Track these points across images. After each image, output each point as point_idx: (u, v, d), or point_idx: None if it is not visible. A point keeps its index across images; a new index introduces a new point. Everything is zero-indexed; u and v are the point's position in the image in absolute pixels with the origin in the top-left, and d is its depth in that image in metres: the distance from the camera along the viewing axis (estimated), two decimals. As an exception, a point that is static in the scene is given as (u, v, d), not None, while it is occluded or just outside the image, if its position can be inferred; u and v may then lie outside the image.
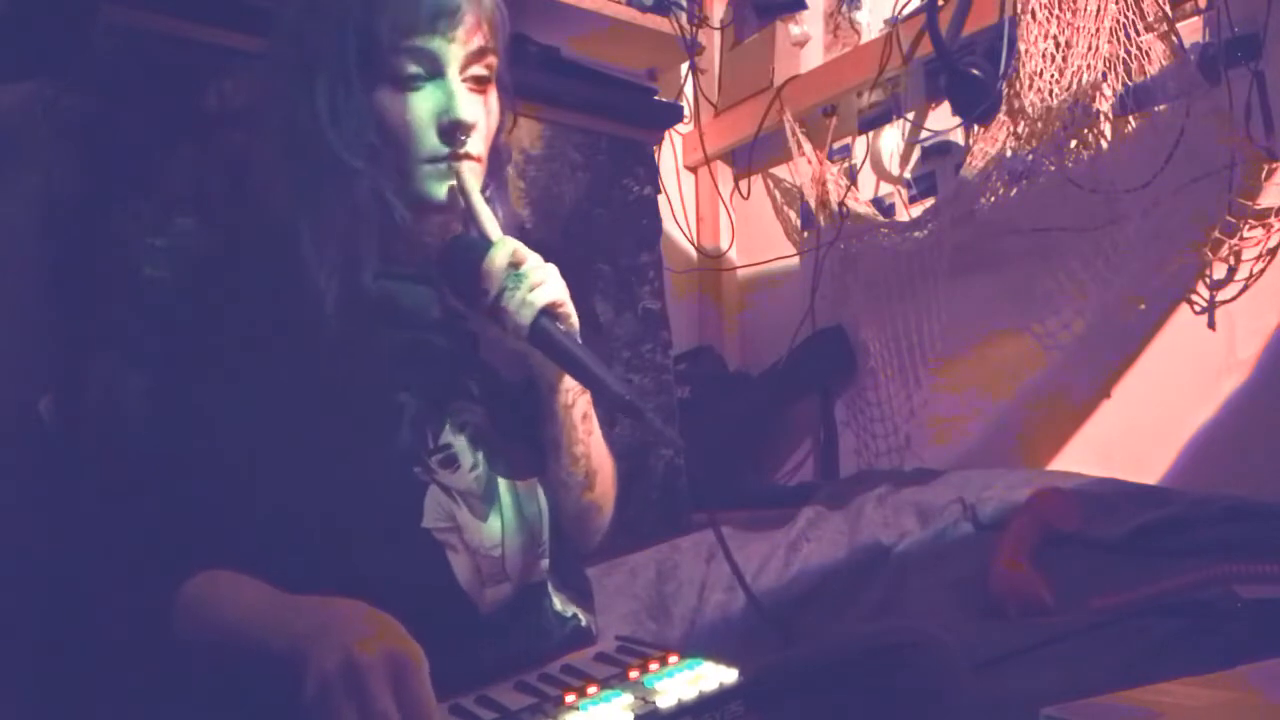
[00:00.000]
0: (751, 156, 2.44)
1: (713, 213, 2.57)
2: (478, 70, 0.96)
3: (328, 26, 0.91)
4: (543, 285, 0.92)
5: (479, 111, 0.96)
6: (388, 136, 0.93)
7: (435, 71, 0.94)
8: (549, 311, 0.92)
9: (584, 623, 1.04)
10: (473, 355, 1.02)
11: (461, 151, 0.95)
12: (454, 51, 0.94)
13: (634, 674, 0.83)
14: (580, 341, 0.94)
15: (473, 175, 0.97)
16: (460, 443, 0.96)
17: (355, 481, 0.91)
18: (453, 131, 0.93)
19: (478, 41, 0.95)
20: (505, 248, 0.92)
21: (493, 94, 0.99)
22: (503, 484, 0.98)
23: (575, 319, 0.95)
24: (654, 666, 0.84)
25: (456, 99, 0.93)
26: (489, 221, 0.95)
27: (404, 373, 0.96)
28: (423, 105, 0.93)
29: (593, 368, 0.91)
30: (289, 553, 0.88)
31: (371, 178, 0.93)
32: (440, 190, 0.95)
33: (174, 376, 0.94)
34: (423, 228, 0.98)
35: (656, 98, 1.96)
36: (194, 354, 0.93)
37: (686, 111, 2.37)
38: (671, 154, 2.51)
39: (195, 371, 0.93)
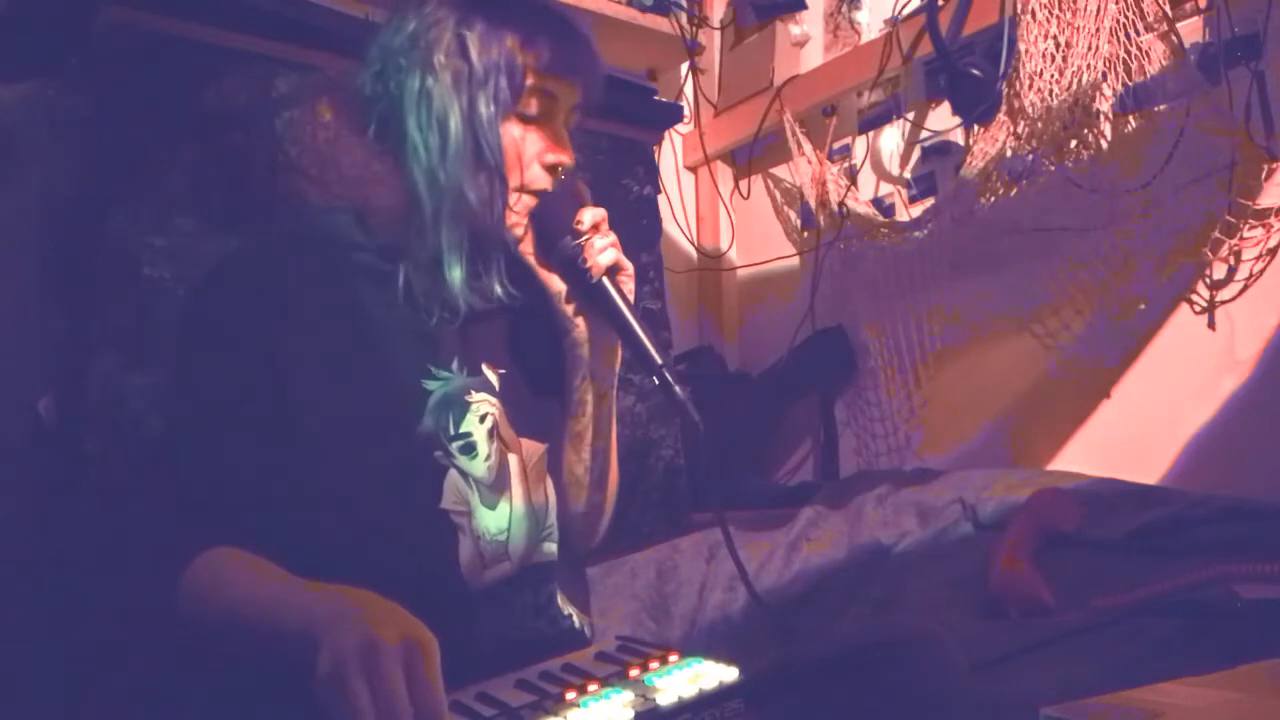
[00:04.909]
0: (751, 156, 2.44)
1: (713, 213, 2.57)
2: (570, 120, 1.07)
3: (490, 50, 0.99)
4: (620, 250, 1.03)
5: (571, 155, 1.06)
6: (506, 163, 1.01)
7: (549, 112, 1.04)
8: (616, 270, 1.02)
9: (578, 624, 1.06)
10: (502, 349, 1.09)
11: (550, 189, 1.04)
12: (568, 100, 1.05)
13: (634, 672, 0.84)
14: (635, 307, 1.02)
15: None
16: (479, 432, 1.01)
17: (379, 461, 0.97)
18: (555, 170, 1.04)
19: (581, 99, 1.07)
20: (600, 209, 1.03)
21: None
22: (514, 476, 1.03)
23: (634, 293, 1.04)
24: (654, 665, 0.85)
25: (566, 141, 1.05)
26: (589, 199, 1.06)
27: (434, 361, 1.01)
28: (535, 141, 1.03)
29: (640, 332, 1.00)
30: (307, 525, 0.92)
31: (503, 195, 1.01)
32: (522, 221, 1.04)
33: (199, 356, 0.98)
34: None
35: (656, 98, 1.96)
36: (224, 335, 0.97)
37: (686, 111, 2.37)
38: (671, 154, 2.51)
39: (221, 351, 0.96)
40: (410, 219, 1.00)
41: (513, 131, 1.02)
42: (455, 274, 0.99)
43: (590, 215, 1.01)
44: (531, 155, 1.03)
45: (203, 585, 0.87)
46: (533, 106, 1.02)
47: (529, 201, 1.03)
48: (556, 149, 1.04)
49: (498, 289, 1.02)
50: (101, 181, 1.28)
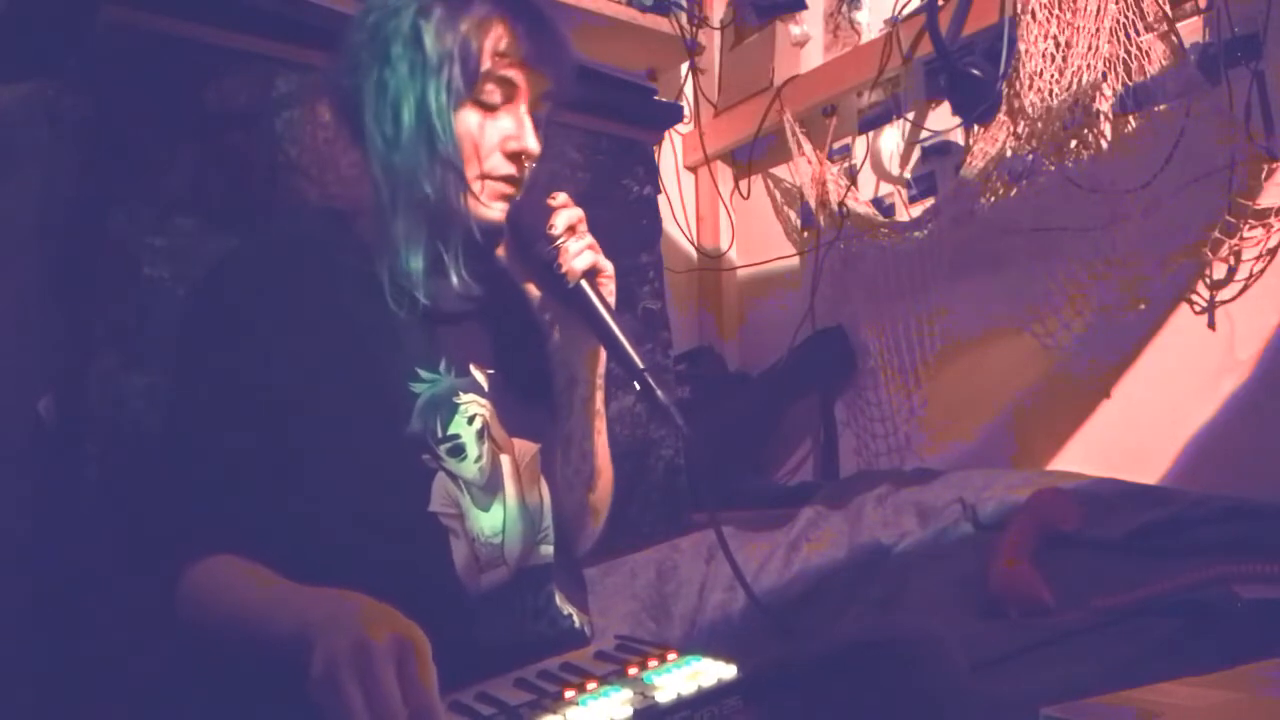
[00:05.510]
0: (751, 156, 2.44)
1: (713, 213, 2.57)
2: (539, 109, 1.05)
3: (444, 38, 0.98)
4: (598, 252, 1.01)
5: (538, 143, 1.04)
6: (462, 150, 1.00)
7: (511, 100, 1.02)
8: (595, 273, 1.01)
9: (578, 624, 1.06)
10: (489, 349, 1.07)
11: (517, 176, 1.03)
12: (533, 88, 1.03)
13: (633, 670, 0.84)
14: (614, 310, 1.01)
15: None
16: (468, 434, 1.00)
17: (367, 465, 0.96)
18: (519, 157, 1.02)
19: (551, 86, 1.04)
20: (576, 210, 1.02)
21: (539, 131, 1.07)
22: (507, 476, 1.02)
23: (614, 295, 1.02)
24: (653, 663, 0.85)
25: (527, 129, 1.02)
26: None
27: (421, 362, 1.01)
28: (496, 128, 1.02)
29: (619, 335, 0.99)
30: (298, 531, 0.91)
31: (458, 182, 0.99)
32: (490, 210, 1.02)
33: (190, 363, 0.98)
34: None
35: (656, 98, 1.96)
36: (223, 335, 0.97)
37: (686, 111, 2.37)
38: (671, 154, 2.51)
39: (212, 358, 0.96)
40: (377, 212, 1.00)
41: (469, 119, 1.00)
42: (415, 264, 0.98)
43: (565, 218, 1.00)
44: (492, 143, 1.01)
45: (202, 590, 0.88)
46: (493, 94, 1.01)
47: (496, 188, 1.02)
48: (519, 136, 1.02)
49: (455, 280, 1.01)
50: (101, 181, 1.28)
